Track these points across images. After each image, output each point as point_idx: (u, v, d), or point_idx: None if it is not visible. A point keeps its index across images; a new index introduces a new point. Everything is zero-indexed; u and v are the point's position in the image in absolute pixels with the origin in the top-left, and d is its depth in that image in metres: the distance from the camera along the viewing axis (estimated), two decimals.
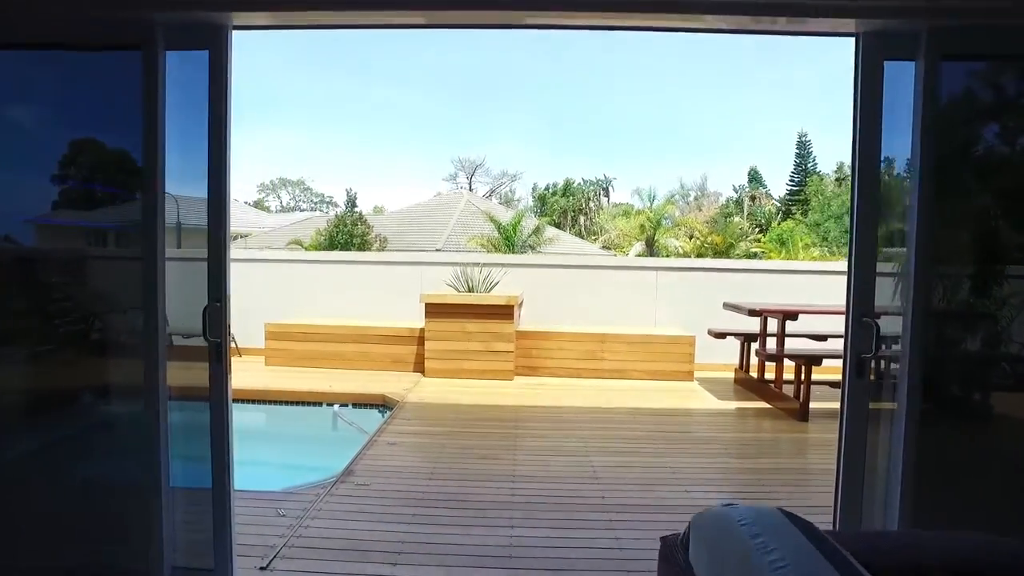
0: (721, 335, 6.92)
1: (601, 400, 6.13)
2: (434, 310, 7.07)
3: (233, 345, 8.05)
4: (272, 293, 8.38)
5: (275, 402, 6.32)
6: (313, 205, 63.54)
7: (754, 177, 62.52)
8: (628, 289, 7.93)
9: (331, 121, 73.84)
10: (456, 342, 7.04)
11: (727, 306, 6.72)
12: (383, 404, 6.16)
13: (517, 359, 7.17)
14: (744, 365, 6.95)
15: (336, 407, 6.14)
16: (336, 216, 24.93)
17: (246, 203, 56.67)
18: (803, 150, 51.87)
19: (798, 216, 41.96)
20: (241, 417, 6.30)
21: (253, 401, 6.32)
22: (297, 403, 6.30)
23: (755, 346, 6.79)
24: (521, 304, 7.85)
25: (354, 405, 6.24)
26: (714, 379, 7.21)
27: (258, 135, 76.83)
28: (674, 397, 6.37)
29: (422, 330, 7.16)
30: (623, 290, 7.94)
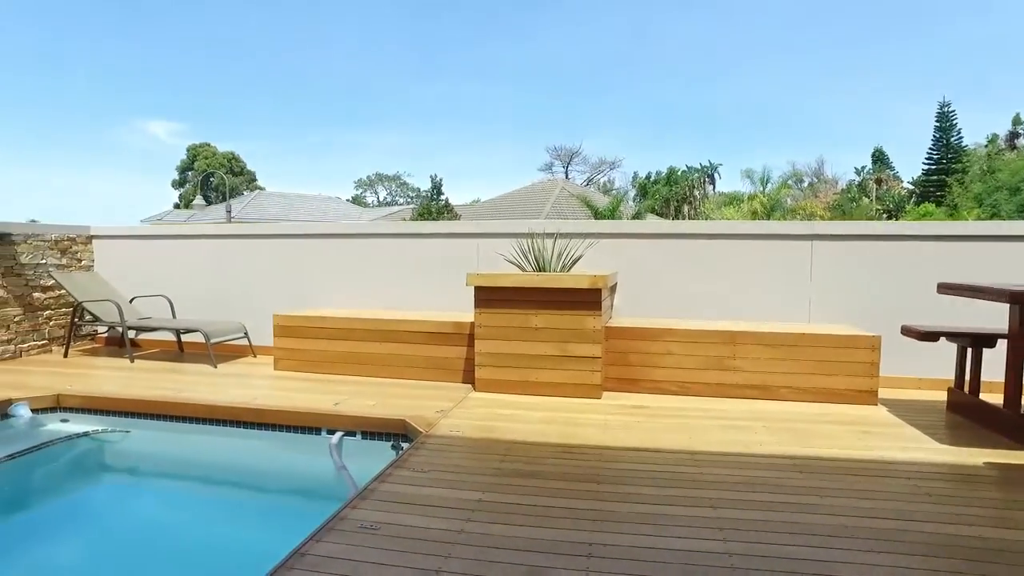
0: (930, 335, 4.38)
1: (738, 438, 3.82)
2: (487, 296, 5.00)
3: (245, 343, 6.37)
4: (292, 278, 6.62)
5: (258, 425, 4.47)
6: (409, 199, 63.51)
7: (879, 158, 56.23)
8: (768, 267, 5.51)
9: (429, 118, 73.79)
10: (518, 342, 4.93)
11: (945, 288, 4.20)
12: (402, 434, 4.17)
13: (607, 368, 4.97)
14: (969, 383, 4.38)
15: (335, 438, 4.20)
16: (421, 204, 23.48)
17: (347, 200, 57.31)
18: (944, 122, 45.65)
19: (955, 189, 36.49)
20: (194, 447, 4.49)
21: (227, 423, 4.51)
22: (286, 428, 4.42)
23: (988, 353, 4.25)
24: (614, 288, 5.63)
25: (363, 434, 4.28)
26: (910, 403, 4.70)
27: (358, 134, 78.16)
28: (857, 435, 3.94)
29: (473, 325, 5.11)
30: (761, 269, 5.52)
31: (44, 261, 6.60)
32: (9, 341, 6.24)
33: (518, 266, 5.26)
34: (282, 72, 72.83)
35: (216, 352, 6.13)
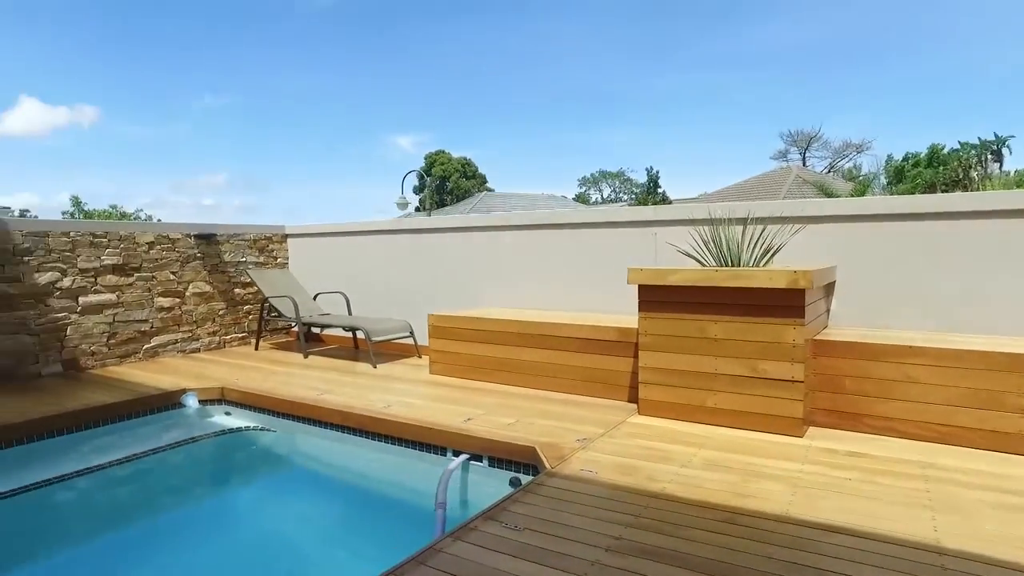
0: None
1: None
2: (652, 297, 4.01)
3: (411, 342, 6.11)
4: (463, 274, 6.21)
5: (381, 437, 4.03)
6: (633, 195, 62.40)
7: None
8: None
9: (656, 112, 72.09)
10: (690, 355, 3.87)
11: None
12: (531, 464, 3.39)
13: (815, 395, 3.69)
14: None
15: (456, 463, 3.57)
16: (636, 197, 22.35)
17: (571, 198, 57.98)
18: None
19: None
20: (326, 452, 4.05)
21: (356, 431, 4.14)
22: (408, 443, 3.91)
23: None
24: (830, 288, 4.25)
25: (491, 461, 3.60)
26: None
27: (584, 132, 79.18)
28: None
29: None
30: None
31: (244, 259, 7.03)
32: (214, 333, 6.72)
33: (696, 259, 4.17)
34: (514, 79, 76.56)
35: (382, 351, 5.96)
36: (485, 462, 3.61)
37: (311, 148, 79.68)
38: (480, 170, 70.08)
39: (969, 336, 3.75)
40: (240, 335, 6.98)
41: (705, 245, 4.16)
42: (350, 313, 6.75)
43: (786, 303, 3.53)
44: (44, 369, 5.35)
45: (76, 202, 30.01)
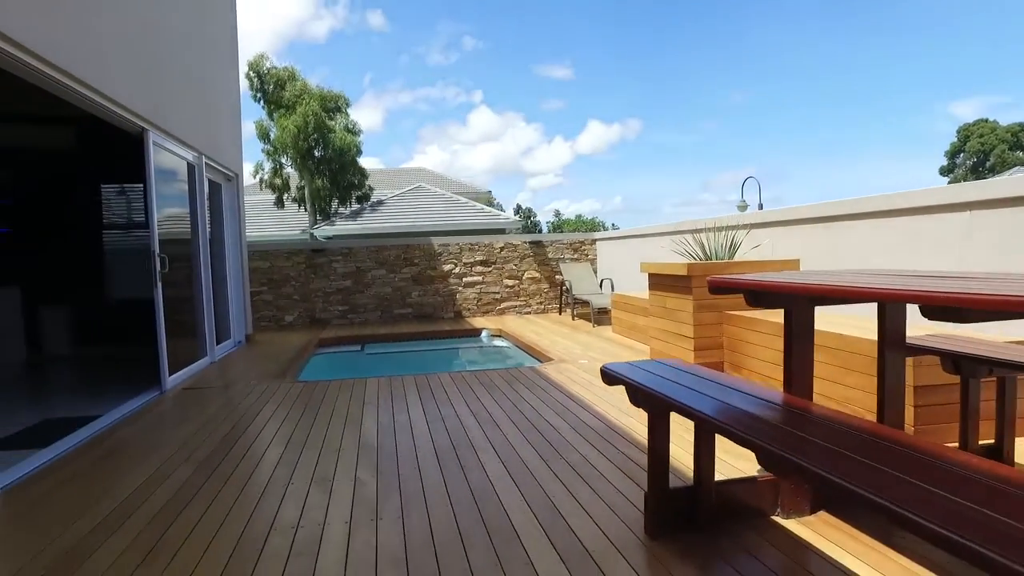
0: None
1: None
2: (652, 281, 6.22)
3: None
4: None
5: (531, 354, 7.43)
6: None
7: None
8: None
9: None
10: (663, 319, 5.98)
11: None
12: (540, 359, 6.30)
13: (720, 351, 5.40)
14: None
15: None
16: None
17: None
18: None
19: None
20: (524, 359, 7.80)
21: (526, 350, 7.65)
22: (531, 354, 7.21)
23: None
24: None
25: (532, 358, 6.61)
26: None
27: None
28: None
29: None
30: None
31: (562, 256, 10.97)
32: (540, 303, 10.90)
33: (691, 256, 6.10)
34: None
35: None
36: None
37: (844, 131, 77.94)
38: None
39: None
40: (556, 306, 10.97)
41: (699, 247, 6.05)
42: (612, 291, 9.92)
43: (685, 284, 5.42)
44: (445, 315, 10.50)
45: (557, 214, 42.40)
